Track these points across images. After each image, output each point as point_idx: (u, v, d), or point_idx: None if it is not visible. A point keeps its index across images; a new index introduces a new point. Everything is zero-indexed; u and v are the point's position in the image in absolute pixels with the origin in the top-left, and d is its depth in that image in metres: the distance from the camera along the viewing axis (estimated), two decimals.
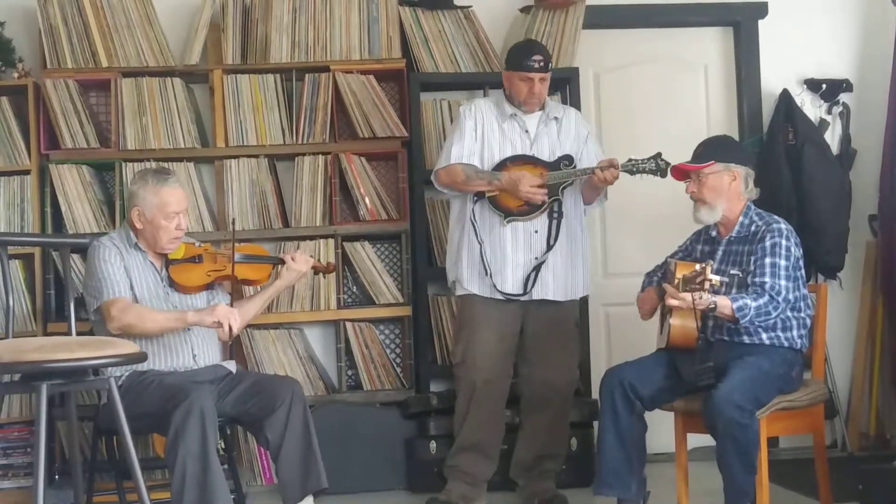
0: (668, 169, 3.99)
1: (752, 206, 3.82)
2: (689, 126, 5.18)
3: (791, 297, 3.62)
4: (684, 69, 5.38)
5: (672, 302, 3.51)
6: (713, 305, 3.48)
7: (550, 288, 4.13)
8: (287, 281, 4.03)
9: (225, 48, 4.82)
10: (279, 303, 4.72)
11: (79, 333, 3.48)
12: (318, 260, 4.46)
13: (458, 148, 4.14)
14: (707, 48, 5.41)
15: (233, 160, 4.80)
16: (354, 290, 5.01)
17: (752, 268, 3.65)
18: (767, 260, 3.62)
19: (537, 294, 4.11)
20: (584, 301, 4.79)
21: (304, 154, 4.84)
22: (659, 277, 4.01)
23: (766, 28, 5.32)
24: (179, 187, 3.83)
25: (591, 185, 4.10)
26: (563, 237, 4.12)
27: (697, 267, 3.38)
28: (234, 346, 4.47)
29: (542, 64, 4.11)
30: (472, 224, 4.13)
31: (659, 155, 4.03)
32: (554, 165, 4.11)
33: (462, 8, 5.04)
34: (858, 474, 3.88)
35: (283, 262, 4.02)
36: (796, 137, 5.08)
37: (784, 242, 3.64)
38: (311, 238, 4.80)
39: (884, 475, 3.82)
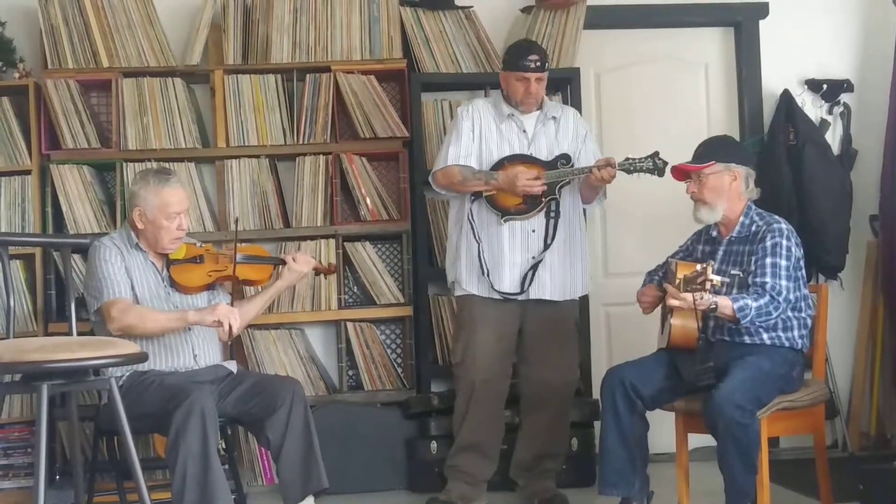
0: (666, 168, 3.98)
1: (753, 206, 3.82)
2: (689, 126, 5.18)
3: (792, 297, 3.62)
4: (685, 69, 5.38)
5: (673, 302, 3.51)
6: (714, 306, 3.48)
7: (548, 287, 4.13)
8: (288, 281, 4.03)
9: (226, 48, 4.82)
10: (280, 303, 4.72)
11: (79, 333, 3.47)
12: (319, 261, 4.46)
13: (455, 149, 4.15)
14: (708, 48, 5.41)
15: (234, 160, 4.81)
16: (355, 290, 5.01)
17: (752, 268, 3.65)
18: (768, 260, 3.62)
19: (534, 293, 4.11)
20: (584, 301, 4.79)
21: (305, 154, 4.84)
22: (660, 277, 4.01)
23: (766, 28, 5.32)
24: (181, 187, 3.83)
25: (588, 184, 4.10)
26: (560, 236, 4.12)
27: (698, 267, 3.37)
28: (234, 347, 4.47)
29: (538, 64, 4.11)
30: (470, 224, 4.14)
31: (656, 154, 4.02)
32: (551, 165, 4.10)
33: (463, 8, 5.04)
34: (859, 474, 3.87)
35: (284, 262, 4.02)
36: (797, 137, 5.08)
37: (785, 242, 3.64)
38: (312, 238, 4.80)
39: (884, 475, 3.82)
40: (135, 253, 3.79)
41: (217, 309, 3.67)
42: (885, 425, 5.16)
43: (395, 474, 4.67)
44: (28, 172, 4.67)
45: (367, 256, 4.85)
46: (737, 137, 5.20)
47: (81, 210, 4.67)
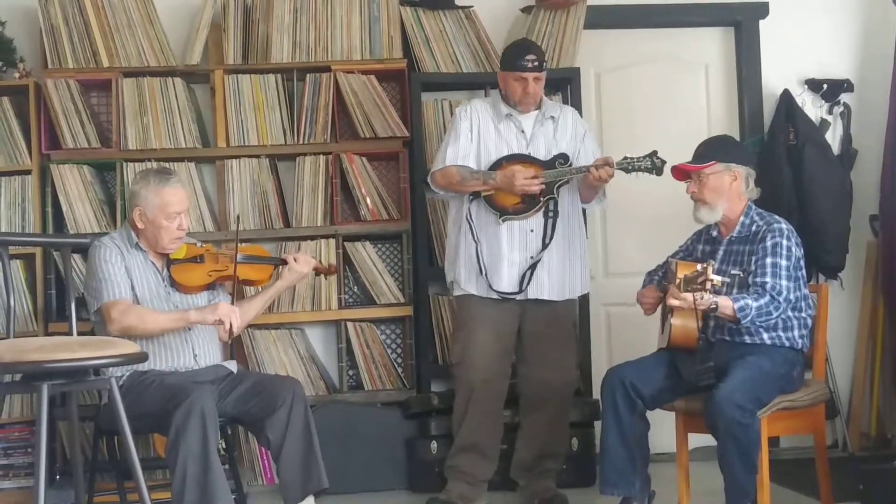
0: (664, 167, 3.98)
1: (753, 206, 3.82)
2: (689, 126, 5.18)
3: (792, 296, 3.62)
4: (685, 69, 5.38)
5: (673, 302, 3.51)
6: (715, 306, 3.48)
7: (546, 287, 4.13)
8: (288, 282, 4.03)
9: (226, 48, 4.82)
10: (280, 303, 4.72)
11: (80, 333, 3.47)
12: (320, 261, 4.46)
13: (453, 150, 4.15)
14: (708, 48, 5.41)
15: (234, 160, 4.81)
16: (355, 290, 5.01)
17: (752, 268, 3.65)
18: (768, 260, 3.62)
19: (533, 293, 4.11)
20: (584, 301, 4.80)
21: (305, 154, 4.84)
22: (659, 277, 4.01)
23: (766, 28, 5.32)
24: (181, 187, 3.83)
25: (587, 183, 4.10)
26: (559, 236, 4.12)
27: (699, 267, 3.37)
28: (234, 346, 4.48)
29: (535, 63, 4.10)
30: (469, 224, 4.14)
31: (655, 153, 4.01)
32: (549, 164, 4.10)
33: (463, 8, 5.04)
34: (859, 474, 3.87)
35: (284, 262, 4.02)
36: (797, 137, 5.08)
37: (785, 242, 3.64)
38: (313, 238, 4.80)
39: (885, 475, 3.82)
40: (135, 253, 3.79)
41: (218, 308, 3.67)
42: (885, 425, 5.16)
43: (396, 474, 4.66)
44: (28, 172, 4.67)
45: (367, 256, 4.85)
46: (737, 137, 5.21)
47: (81, 210, 4.67)
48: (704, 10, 5.31)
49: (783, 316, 3.63)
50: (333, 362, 4.89)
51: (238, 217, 4.29)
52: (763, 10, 5.29)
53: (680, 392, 3.71)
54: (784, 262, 3.61)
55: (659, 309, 3.92)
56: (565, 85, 4.99)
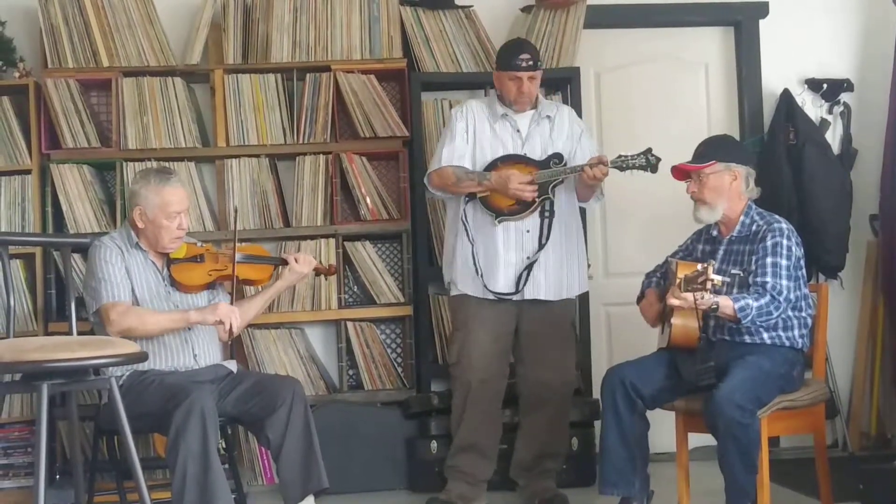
0: (659, 164, 3.97)
1: (753, 206, 3.82)
2: (689, 126, 5.18)
3: (792, 296, 3.62)
4: (685, 69, 5.38)
5: (674, 301, 3.50)
6: (715, 305, 3.48)
7: (542, 287, 4.12)
8: (288, 282, 4.04)
9: (226, 48, 4.82)
10: (280, 302, 4.72)
11: (80, 333, 3.47)
12: (320, 261, 4.46)
13: (449, 150, 4.15)
14: (708, 48, 5.40)
15: (234, 160, 4.80)
16: (355, 289, 5.01)
17: (753, 267, 3.65)
18: (769, 259, 3.62)
19: (529, 293, 4.11)
20: (584, 301, 4.80)
21: (305, 154, 4.84)
22: (658, 278, 4.01)
23: (766, 28, 5.31)
24: (181, 187, 3.83)
25: (582, 182, 4.10)
26: (555, 236, 4.12)
27: (699, 267, 3.37)
28: (234, 346, 4.48)
29: (530, 63, 4.10)
30: (464, 225, 4.14)
31: (649, 150, 4.00)
32: (544, 164, 4.10)
33: (463, 7, 5.04)
34: (859, 474, 3.87)
35: (284, 262, 4.02)
36: (797, 137, 5.08)
37: (785, 242, 3.64)
38: (312, 238, 4.80)
39: (885, 475, 3.82)
40: (135, 252, 3.79)
41: (218, 308, 3.68)
42: (885, 425, 5.16)
43: (395, 474, 4.66)
44: (28, 172, 4.67)
45: (367, 256, 4.85)
46: (737, 137, 5.20)
47: (81, 209, 4.67)
48: (704, 10, 5.31)
49: (783, 315, 3.63)
50: (333, 362, 4.89)
51: (235, 210, 4.29)
52: (763, 10, 5.29)
53: (680, 392, 3.71)
54: (784, 262, 3.61)
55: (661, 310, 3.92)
56: (565, 84, 4.99)
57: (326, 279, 4.73)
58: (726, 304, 3.50)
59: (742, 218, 3.78)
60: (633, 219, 5.24)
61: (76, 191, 4.67)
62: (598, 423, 4.26)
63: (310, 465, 3.64)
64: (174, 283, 3.82)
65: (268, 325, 4.77)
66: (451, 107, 4.91)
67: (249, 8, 4.87)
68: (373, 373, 4.82)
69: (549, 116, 4.22)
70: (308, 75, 4.84)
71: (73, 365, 2.88)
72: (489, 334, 4.14)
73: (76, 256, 4.51)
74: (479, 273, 4.10)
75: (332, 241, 4.79)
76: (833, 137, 5.28)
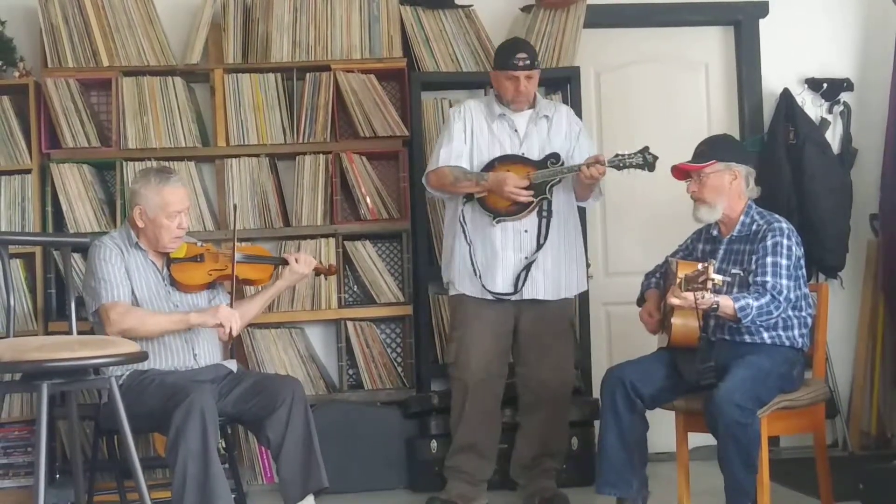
0: (656, 162, 3.96)
1: (753, 206, 3.82)
2: (689, 125, 5.17)
3: (792, 296, 3.62)
4: (685, 68, 5.38)
5: (674, 301, 3.50)
6: (716, 305, 3.48)
7: (541, 287, 4.12)
8: (288, 282, 4.04)
9: (226, 47, 4.82)
10: (280, 302, 4.72)
11: (80, 333, 3.47)
12: (320, 261, 4.46)
13: (447, 150, 4.15)
14: (708, 47, 5.40)
15: (234, 159, 4.80)
16: (355, 289, 5.01)
17: (753, 267, 3.65)
18: (769, 259, 3.62)
19: (528, 293, 4.11)
20: (584, 301, 4.80)
21: (304, 153, 4.83)
22: (657, 278, 4.01)
23: (766, 27, 5.31)
24: (182, 186, 3.83)
25: (579, 182, 4.09)
26: (553, 236, 4.12)
27: (700, 266, 3.37)
28: (234, 346, 4.48)
29: (527, 62, 4.10)
30: (461, 225, 4.14)
31: (646, 149, 3.99)
32: (541, 164, 4.10)
33: (463, 7, 5.04)
34: (859, 473, 3.87)
35: (285, 262, 4.02)
36: (797, 137, 5.08)
37: (785, 241, 3.64)
38: (312, 237, 4.80)
39: (885, 474, 3.81)
40: (135, 252, 3.79)
41: (219, 311, 3.68)
42: (885, 424, 5.16)
43: (395, 474, 4.66)
44: (28, 171, 4.67)
45: (367, 255, 4.85)
46: (737, 136, 5.20)
47: (81, 209, 4.67)
48: (704, 10, 5.31)
49: (783, 315, 3.63)
50: (333, 361, 4.89)
51: (235, 207, 4.29)
52: (763, 10, 5.29)
53: (680, 391, 3.71)
54: (784, 262, 3.61)
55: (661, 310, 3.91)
56: (565, 84, 4.99)
57: (326, 279, 4.73)
58: (727, 303, 3.50)
59: (742, 217, 3.78)
60: (633, 219, 5.24)
61: (76, 190, 4.67)
62: (598, 423, 4.26)
63: (310, 465, 3.64)
64: (174, 283, 3.82)
65: (268, 325, 4.77)
66: (451, 106, 4.91)
67: (249, 7, 4.87)
68: (373, 372, 4.82)
69: (546, 116, 4.22)
70: (308, 75, 4.84)
71: (73, 364, 2.88)
72: (487, 334, 4.13)
73: (76, 256, 4.51)
74: (478, 273, 4.10)
75: (332, 240, 4.79)
76: (833, 137, 5.28)
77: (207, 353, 3.82)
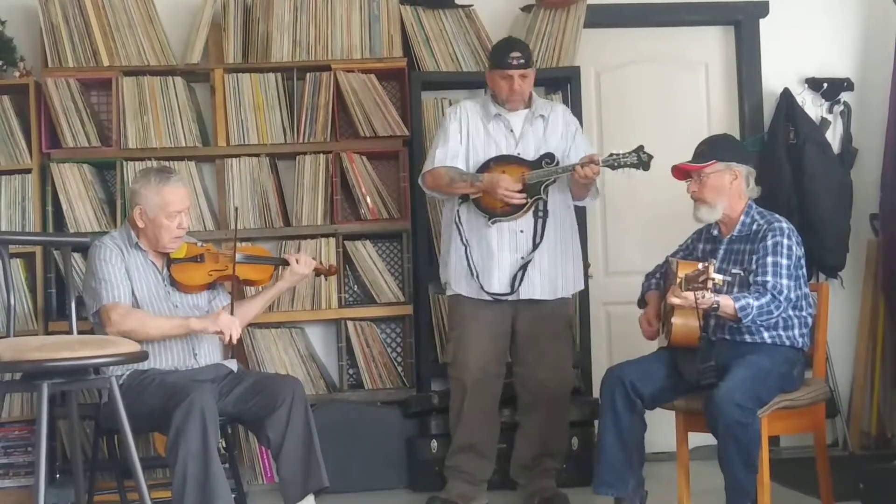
0: (651, 161, 3.96)
1: (754, 205, 3.82)
2: (689, 125, 5.18)
3: (793, 295, 3.62)
4: (685, 68, 5.38)
5: (674, 301, 3.50)
6: (716, 305, 3.48)
7: (538, 287, 4.12)
8: (289, 283, 4.04)
9: (226, 47, 4.82)
10: (280, 302, 4.72)
11: (80, 332, 3.47)
12: (320, 261, 4.46)
13: (442, 151, 4.15)
14: (708, 47, 5.40)
15: (234, 159, 4.80)
16: (355, 289, 5.01)
17: (753, 266, 3.65)
18: (769, 259, 3.62)
19: (525, 293, 4.11)
20: (584, 300, 4.80)
21: (305, 153, 4.83)
22: (658, 279, 4.01)
23: (767, 27, 5.31)
24: (182, 186, 3.84)
25: (575, 181, 4.09)
26: (549, 236, 4.12)
27: (700, 266, 3.37)
28: (235, 345, 4.46)
29: (521, 61, 4.10)
30: (458, 226, 4.14)
31: (641, 148, 3.98)
32: (536, 164, 4.10)
33: (463, 7, 5.04)
34: (860, 473, 3.87)
35: (285, 263, 4.02)
36: (797, 136, 5.08)
37: (785, 241, 3.64)
38: (313, 237, 4.80)
39: (885, 474, 3.81)
40: (135, 252, 3.79)
41: (220, 318, 3.69)
42: (885, 424, 5.16)
43: (396, 473, 4.66)
44: (28, 171, 4.67)
45: (367, 255, 4.85)
46: (737, 136, 5.20)
47: (82, 209, 4.67)
48: (704, 9, 5.31)
49: (784, 315, 3.63)
50: (333, 361, 4.89)
51: (236, 209, 4.29)
52: (763, 9, 5.29)
53: (680, 391, 3.71)
54: (785, 261, 3.61)
55: (660, 310, 3.91)
56: (565, 84, 4.99)
57: (326, 279, 4.73)
58: (727, 303, 3.50)
59: (742, 217, 3.78)
60: (633, 218, 5.24)
61: (76, 190, 4.67)
62: (597, 423, 4.26)
63: (310, 465, 3.65)
64: (174, 283, 3.82)
65: (268, 325, 4.77)
66: (450, 106, 4.91)
67: (249, 7, 4.87)
68: (373, 372, 4.82)
69: (542, 115, 4.22)
70: (308, 74, 4.84)
71: (74, 364, 2.88)
72: (485, 335, 4.13)
73: (76, 256, 4.51)
74: (475, 274, 4.10)
75: (332, 240, 4.79)
76: (833, 137, 5.28)
77: (208, 352, 3.82)
